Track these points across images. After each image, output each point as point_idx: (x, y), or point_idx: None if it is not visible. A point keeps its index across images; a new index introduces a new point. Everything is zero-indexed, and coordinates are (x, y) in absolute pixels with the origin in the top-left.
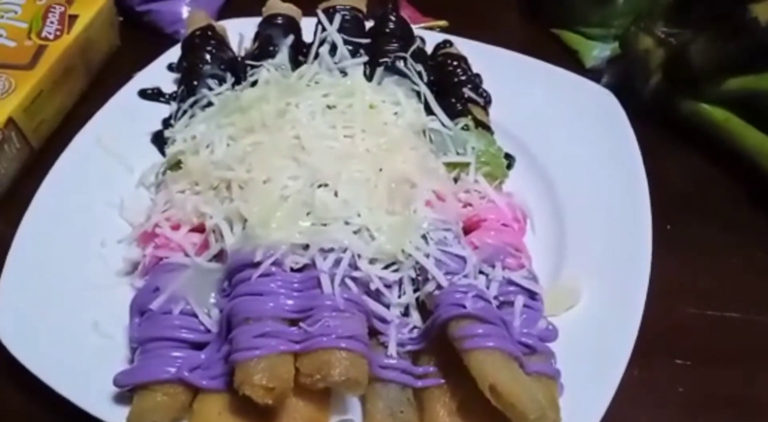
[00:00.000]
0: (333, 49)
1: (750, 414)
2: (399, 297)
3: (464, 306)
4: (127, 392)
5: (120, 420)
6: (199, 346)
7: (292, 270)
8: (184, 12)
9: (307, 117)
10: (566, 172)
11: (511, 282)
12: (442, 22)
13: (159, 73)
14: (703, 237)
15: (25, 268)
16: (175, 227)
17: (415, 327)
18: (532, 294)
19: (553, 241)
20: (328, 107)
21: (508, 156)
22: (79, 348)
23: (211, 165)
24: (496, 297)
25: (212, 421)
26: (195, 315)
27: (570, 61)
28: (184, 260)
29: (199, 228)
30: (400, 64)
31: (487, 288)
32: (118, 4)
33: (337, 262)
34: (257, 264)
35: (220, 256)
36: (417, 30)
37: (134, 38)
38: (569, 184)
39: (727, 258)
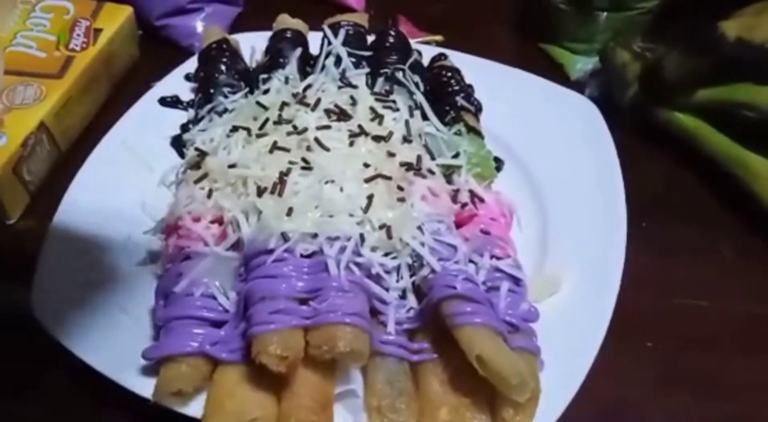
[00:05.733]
0: (338, 61)
1: (716, 392)
2: (397, 281)
3: (455, 288)
4: (153, 364)
5: (148, 389)
6: (218, 324)
7: (302, 256)
8: (199, 26)
9: (315, 121)
10: (550, 173)
11: (497, 270)
12: (438, 37)
13: (177, 83)
14: (676, 234)
15: (58, 259)
16: (196, 219)
17: (411, 308)
18: (517, 281)
19: (536, 236)
20: (334, 114)
21: (497, 159)
22: (110, 329)
23: (228, 164)
24: (483, 283)
25: (230, 389)
26: (214, 297)
27: (556, 73)
28: (204, 249)
29: (218, 220)
30: (399, 75)
31: (476, 274)
32: (138, 18)
33: (343, 249)
34: (271, 251)
35: (236, 246)
36: (414, 44)
37: (153, 50)
38: (552, 185)
39: (697, 253)
